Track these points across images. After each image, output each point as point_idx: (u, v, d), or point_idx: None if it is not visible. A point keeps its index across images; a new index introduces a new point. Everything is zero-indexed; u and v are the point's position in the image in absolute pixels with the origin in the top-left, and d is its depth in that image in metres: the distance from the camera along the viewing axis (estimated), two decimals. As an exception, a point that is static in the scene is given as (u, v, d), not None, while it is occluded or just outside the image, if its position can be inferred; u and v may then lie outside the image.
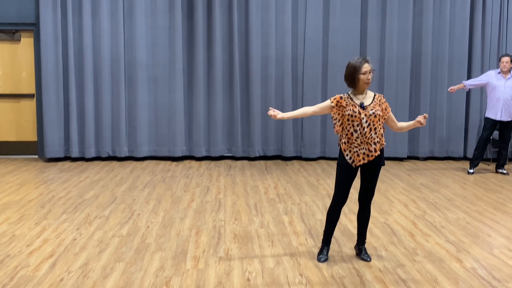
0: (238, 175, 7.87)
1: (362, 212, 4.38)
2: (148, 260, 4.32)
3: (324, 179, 7.58)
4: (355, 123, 4.11)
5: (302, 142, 9.15)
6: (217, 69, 8.86)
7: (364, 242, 4.45)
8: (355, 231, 4.92)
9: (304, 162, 8.98)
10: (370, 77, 4.11)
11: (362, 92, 4.18)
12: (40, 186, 7.01)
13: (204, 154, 9.06)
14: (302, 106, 8.72)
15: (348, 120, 4.13)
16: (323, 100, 8.69)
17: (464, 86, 8.19)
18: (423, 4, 9.00)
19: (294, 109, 8.76)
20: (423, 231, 5.16)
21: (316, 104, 4.72)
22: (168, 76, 8.90)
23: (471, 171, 8.14)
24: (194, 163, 8.85)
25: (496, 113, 7.91)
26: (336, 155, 8.57)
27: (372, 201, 4.40)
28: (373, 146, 4.14)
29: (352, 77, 4.13)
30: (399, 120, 4.38)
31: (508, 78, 7.89)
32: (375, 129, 4.12)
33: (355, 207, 5.35)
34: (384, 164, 4.28)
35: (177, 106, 8.89)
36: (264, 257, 4.41)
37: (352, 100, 4.16)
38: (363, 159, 4.15)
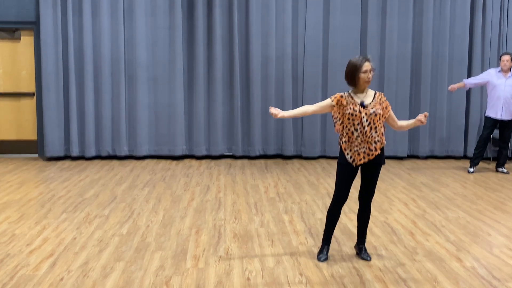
0: (238, 174, 7.87)
1: (362, 211, 4.37)
2: (148, 259, 4.32)
3: (324, 178, 7.58)
4: (356, 122, 4.10)
5: (302, 141, 9.14)
6: (217, 69, 8.86)
7: (364, 241, 4.45)
8: (355, 230, 4.92)
9: (304, 161, 8.98)
10: (370, 76, 4.10)
11: (362, 91, 4.17)
12: (40, 185, 7.01)
13: (204, 153, 9.06)
14: (302, 106, 8.70)
15: (348, 119, 4.12)
16: (323, 99, 8.66)
17: (464, 84, 8.18)
18: (423, 4, 8.99)
19: (294, 108, 8.76)
20: (423, 230, 5.16)
21: (317, 103, 4.72)
22: (168, 76, 8.90)
23: (471, 170, 8.14)
24: (194, 162, 8.85)
25: (496, 112, 7.90)
26: (336, 154, 8.56)
27: (372, 200, 4.39)
28: (374, 145, 4.13)
29: (352, 76, 4.12)
30: (399, 120, 4.38)
31: (509, 77, 7.88)
32: (375, 128, 4.12)
33: (355, 206, 5.35)
34: (384, 163, 4.28)
35: (177, 105, 8.89)
36: (264, 256, 4.41)
37: (352, 98, 4.16)
38: (364, 158, 4.14)
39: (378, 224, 5.34)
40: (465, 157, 9.31)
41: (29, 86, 9.11)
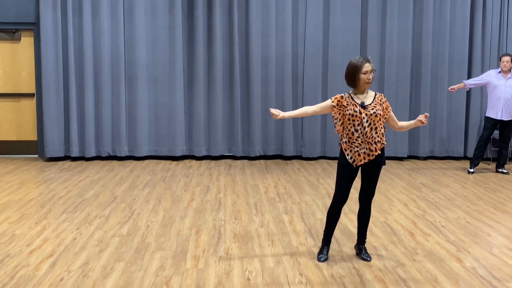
0: (238, 174, 7.87)
1: (362, 212, 4.37)
2: (148, 259, 4.32)
3: (324, 179, 7.58)
4: (356, 123, 4.11)
5: (302, 141, 9.14)
6: (217, 69, 8.86)
7: (364, 242, 4.45)
8: (355, 231, 4.92)
9: (304, 162, 8.98)
10: (371, 77, 4.11)
11: (362, 92, 4.18)
12: (40, 185, 7.01)
13: (204, 153, 9.06)
14: (302, 106, 8.71)
15: (349, 119, 4.13)
16: (323, 100, 8.69)
17: (465, 85, 8.19)
18: (423, 4, 9.00)
19: (294, 109, 8.77)
20: (423, 231, 5.16)
21: (317, 104, 4.72)
22: (168, 76, 8.90)
23: (472, 170, 8.14)
24: (194, 162, 8.85)
25: (496, 112, 7.91)
26: (336, 154, 8.55)
27: (372, 201, 4.39)
28: (374, 145, 4.13)
29: (352, 77, 4.12)
30: (399, 120, 4.38)
31: (509, 78, 7.88)
32: (375, 128, 4.12)
33: (355, 207, 5.35)
34: (384, 164, 4.28)
35: (177, 105, 8.89)
36: (264, 257, 4.41)
37: (353, 99, 4.16)
38: (364, 158, 4.15)
39: (378, 225, 5.34)
40: (465, 157, 9.31)
41: (29, 86, 9.11)
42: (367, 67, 4.09)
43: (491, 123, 7.99)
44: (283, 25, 8.90)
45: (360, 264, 4.27)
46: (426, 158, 9.37)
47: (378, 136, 4.14)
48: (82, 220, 5.41)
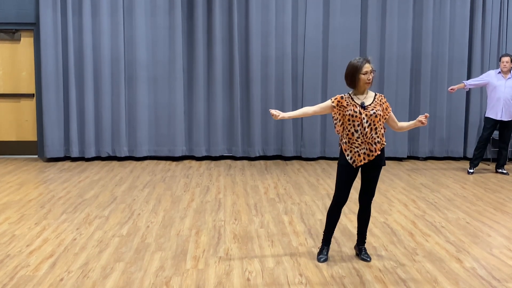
0: (238, 175, 7.87)
1: (362, 212, 4.37)
2: (148, 260, 4.32)
3: (324, 179, 7.58)
4: (356, 123, 4.11)
5: (302, 142, 9.15)
6: (217, 69, 8.86)
7: (364, 242, 4.45)
8: (355, 231, 4.92)
9: (304, 162, 8.98)
10: (371, 77, 4.11)
11: (362, 92, 4.18)
12: (40, 186, 7.01)
13: (204, 154, 9.06)
14: (302, 106, 8.72)
15: (349, 120, 4.13)
16: (323, 100, 8.70)
17: (465, 86, 8.19)
18: (423, 4, 9.00)
19: (294, 109, 8.77)
20: (423, 231, 5.16)
21: (317, 104, 4.72)
22: (168, 76, 8.90)
23: (471, 171, 8.14)
24: (194, 163, 8.85)
25: (496, 113, 7.91)
26: (336, 155, 8.55)
27: (372, 201, 4.39)
28: (374, 146, 4.14)
29: (352, 77, 4.12)
30: (398, 120, 4.38)
31: (508, 78, 7.89)
32: (375, 129, 4.12)
33: (355, 207, 5.35)
34: (385, 164, 4.28)
35: (177, 105, 8.89)
36: (264, 257, 4.41)
37: (352, 100, 4.16)
38: (364, 159, 4.15)
39: (378, 225, 5.34)
40: (464, 158, 9.31)
41: (29, 87, 9.11)
42: (367, 67, 4.09)
43: (491, 124, 7.99)
44: (283, 25, 8.90)
45: (360, 264, 4.27)
46: (425, 159, 9.37)
47: (378, 137, 4.14)
48: (82, 220, 5.41)
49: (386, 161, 8.26)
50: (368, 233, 4.95)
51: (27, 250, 4.53)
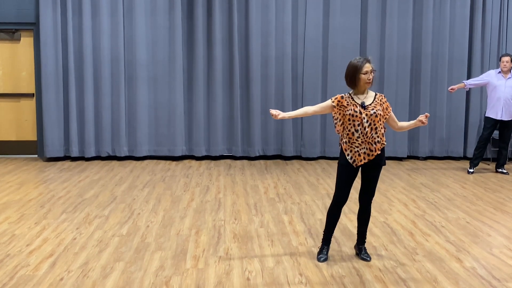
0: (238, 174, 7.87)
1: (362, 212, 4.37)
2: (148, 259, 4.32)
3: (324, 179, 7.58)
4: (356, 123, 4.11)
5: (302, 141, 9.14)
6: (217, 69, 8.86)
7: (364, 242, 4.45)
8: (355, 231, 4.92)
9: (304, 162, 8.98)
10: (371, 77, 4.11)
11: (363, 92, 4.18)
12: (40, 185, 7.01)
13: (204, 153, 9.06)
14: (302, 106, 8.72)
15: (349, 120, 4.13)
16: (323, 100, 8.70)
17: (465, 85, 8.18)
18: (423, 4, 8.99)
19: (294, 109, 8.77)
20: (423, 231, 5.16)
21: (317, 103, 4.72)
22: (168, 76, 8.90)
23: (471, 170, 8.14)
24: (194, 162, 8.85)
25: (496, 112, 7.91)
26: (336, 154, 8.54)
27: (372, 201, 4.39)
28: (374, 145, 4.14)
29: (353, 77, 4.12)
30: (398, 120, 4.38)
31: (509, 78, 7.89)
32: (375, 128, 4.12)
33: (355, 207, 5.35)
34: (385, 164, 4.28)
35: (177, 105, 8.89)
36: (264, 257, 4.41)
37: (353, 99, 4.16)
38: (364, 158, 4.15)
39: (378, 225, 5.34)
40: (464, 157, 9.31)
41: (29, 86, 9.11)
42: (367, 67, 4.09)
43: (491, 123, 7.99)
44: (283, 25, 8.90)
45: (360, 264, 4.27)
46: (425, 158, 9.37)
47: (378, 136, 4.14)
48: (81, 220, 5.41)
49: (386, 161, 8.25)
50: (368, 233, 4.95)
51: (27, 249, 4.53)
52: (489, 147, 9.06)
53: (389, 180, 7.51)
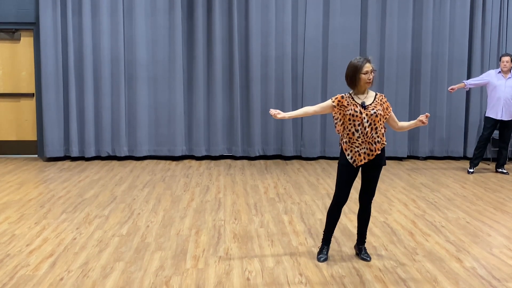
0: (238, 174, 7.87)
1: (362, 212, 4.37)
2: (148, 259, 4.32)
3: (324, 179, 7.58)
4: (357, 123, 4.11)
5: (302, 141, 9.14)
6: (217, 69, 8.86)
7: (364, 242, 4.45)
8: (355, 231, 4.92)
9: (304, 162, 8.98)
10: (371, 77, 4.11)
11: (363, 92, 4.18)
12: (40, 185, 7.01)
13: (204, 153, 9.06)
14: (302, 106, 8.72)
15: (349, 119, 4.13)
16: (323, 100, 8.70)
17: (465, 85, 8.18)
18: (423, 4, 8.99)
19: (294, 108, 8.77)
20: (423, 231, 5.16)
21: (317, 103, 4.72)
22: (168, 76, 8.90)
23: (471, 170, 8.14)
24: (194, 162, 8.85)
25: (496, 112, 7.91)
26: (336, 154, 8.54)
27: (372, 201, 4.39)
28: (374, 145, 4.14)
29: (353, 77, 4.12)
30: (398, 120, 4.38)
31: (509, 78, 7.89)
32: (376, 128, 4.12)
33: (355, 207, 5.35)
34: (385, 164, 4.28)
35: (177, 105, 8.89)
36: (264, 257, 4.41)
37: (353, 99, 4.16)
38: (364, 158, 4.15)
39: (378, 225, 5.34)
40: (464, 157, 9.31)
41: (29, 86, 9.11)
42: (367, 67, 4.09)
43: (491, 123, 7.99)
44: (282, 25, 8.90)
45: (360, 264, 4.27)
46: (425, 158, 9.37)
47: (378, 136, 4.14)
48: (81, 220, 5.41)
49: (386, 161, 8.27)
50: (368, 233, 4.95)
51: (27, 249, 4.53)
52: (489, 147, 9.05)
53: (389, 180, 7.51)
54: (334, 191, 4.33)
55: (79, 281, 3.88)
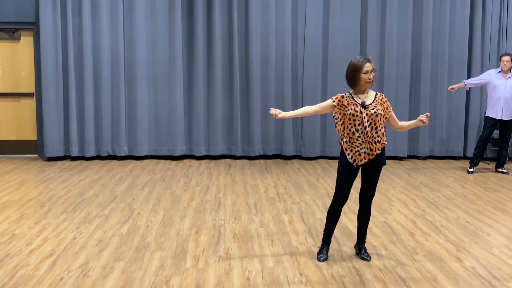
0: (238, 174, 7.87)
1: (362, 212, 4.37)
2: (148, 259, 4.32)
3: (324, 178, 7.58)
4: (357, 122, 4.11)
5: (302, 141, 9.14)
6: (217, 68, 8.86)
7: (364, 242, 4.45)
8: (355, 230, 4.92)
9: (304, 161, 8.98)
10: (371, 76, 4.11)
11: (363, 92, 4.18)
12: (40, 185, 7.01)
13: (204, 153, 9.06)
14: (302, 106, 8.72)
15: (349, 119, 4.13)
16: (323, 99, 8.70)
17: (465, 85, 8.18)
18: (423, 4, 8.99)
19: (294, 108, 8.77)
20: (423, 230, 5.16)
21: (317, 103, 4.72)
22: (168, 75, 8.90)
23: (471, 170, 8.14)
24: (194, 162, 8.85)
25: (496, 112, 7.91)
26: (336, 154, 8.54)
27: (372, 200, 4.39)
28: (374, 145, 4.14)
29: (353, 76, 4.12)
30: (399, 120, 4.38)
31: (509, 77, 7.89)
32: (376, 128, 4.12)
33: (355, 207, 5.35)
34: (385, 164, 4.28)
35: (177, 105, 8.89)
36: (264, 256, 4.41)
37: (353, 99, 4.16)
38: (364, 158, 4.15)
39: (378, 224, 5.34)
40: (464, 157, 9.31)
41: (29, 86, 9.11)
42: (367, 66, 4.09)
43: (491, 123, 7.99)
44: (282, 24, 8.90)
45: (360, 263, 4.27)
46: (425, 158, 9.37)
47: (378, 136, 4.14)
48: (81, 219, 5.41)
49: (386, 161, 8.27)
50: (368, 232, 4.95)
51: (27, 249, 4.53)
52: (489, 146, 9.06)
53: (389, 180, 7.51)
54: (334, 191, 4.33)
55: (79, 280, 3.88)
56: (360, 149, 4.14)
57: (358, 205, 4.40)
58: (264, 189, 6.86)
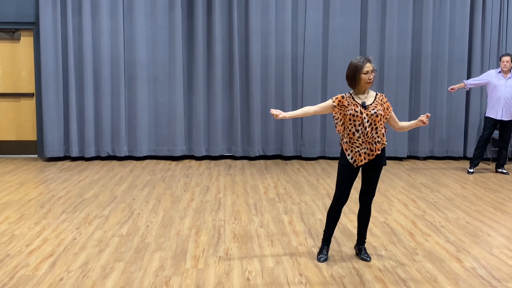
0: (238, 174, 7.87)
1: (362, 212, 4.37)
2: (147, 259, 4.32)
3: (324, 179, 7.58)
4: (357, 123, 4.10)
5: (302, 141, 9.14)
6: (217, 69, 8.86)
7: (364, 242, 4.45)
8: (355, 231, 4.92)
9: (304, 162, 8.98)
10: (372, 76, 4.11)
11: (363, 92, 4.18)
12: (40, 185, 7.01)
13: (204, 153, 9.05)
14: (302, 106, 8.72)
15: (349, 119, 4.13)
16: (323, 99, 8.70)
17: (465, 85, 8.18)
18: (423, 4, 8.99)
19: (294, 108, 8.77)
20: (423, 231, 5.16)
21: (317, 103, 4.72)
22: (168, 76, 8.90)
23: (471, 170, 8.13)
24: (194, 162, 8.85)
25: (496, 112, 7.91)
26: (336, 154, 8.55)
27: (372, 201, 4.38)
28: (375, 145, 4.14)
29: (353, 77, 4.12)
30: (399, 120, 4.38)
31: (509, 78, 7.88)
32: (376, 128, 4.12)
33: (355, 207, 5.35)
34: (385, 164, 4.28)
35: (177, 105, 8.89)
36: (264, 257, 4.41)
37: (353, 99, 4.16)
38: (364, 158, 4.15)
39: (378, 225, 5.34)
40: (464, 157, 9.31)
41: (29, 86, 9.11)
42: (368, 67, 4.09)
43: (491, 123, 7.99)
44: (282, 24, 8.90)
45: (359, 264, 4.27)
46: (425, 158, 9.37)
47: (378, 136, 4.14)
48: (81, 220, 5.41)
49: (386, 161, 8.26)
50: (368, 233, 4.95)
51: (27, 249, 4.53)
52: (489, 147, 9.06)
53: (389, 180, 7.51)
54: (334, 191, 4.33)
55: (79, 281, 3.88)
56: (360, 149, 4.14)
57: (358, 206, 4.40)
58: (264, 190, 6.86)
